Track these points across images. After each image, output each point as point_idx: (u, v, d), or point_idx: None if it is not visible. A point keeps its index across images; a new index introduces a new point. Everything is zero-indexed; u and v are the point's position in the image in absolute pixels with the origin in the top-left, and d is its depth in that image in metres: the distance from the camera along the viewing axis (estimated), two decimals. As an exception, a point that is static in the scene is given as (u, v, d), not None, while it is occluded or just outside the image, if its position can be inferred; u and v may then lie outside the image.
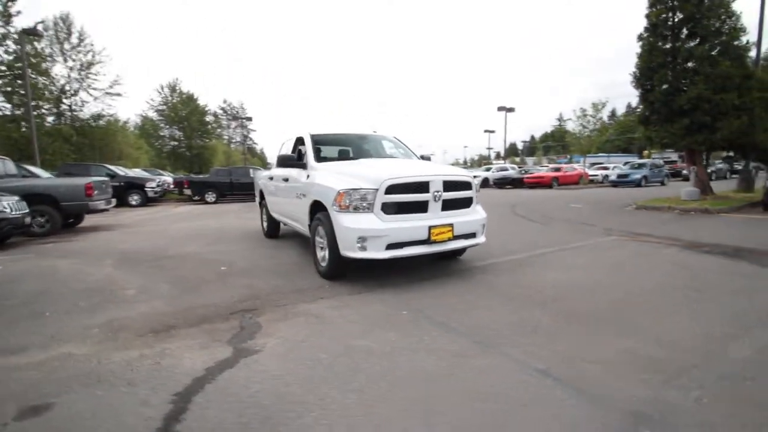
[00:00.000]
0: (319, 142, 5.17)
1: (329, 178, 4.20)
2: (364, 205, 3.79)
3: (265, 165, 55.29)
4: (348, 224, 3.76)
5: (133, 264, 5.29)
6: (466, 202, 4.33)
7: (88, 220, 10.09)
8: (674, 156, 34.07)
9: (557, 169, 24.86)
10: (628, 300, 3.41)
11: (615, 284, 3.91)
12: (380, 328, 2.92)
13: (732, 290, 3.61)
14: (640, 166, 22.19)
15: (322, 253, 4.36)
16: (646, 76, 11.02)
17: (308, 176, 4.66)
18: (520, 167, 34.50)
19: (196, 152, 42.71)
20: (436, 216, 4.03)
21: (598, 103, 26.32)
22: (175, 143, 42.69)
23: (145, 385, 2.17)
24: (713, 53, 9.87)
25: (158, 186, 16.63)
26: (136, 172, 18.85)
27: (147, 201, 15.85)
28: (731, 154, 16.45)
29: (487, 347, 2.56)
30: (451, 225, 4.03)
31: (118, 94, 28.27)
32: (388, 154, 5.48)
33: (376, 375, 2.24)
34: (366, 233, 3.70)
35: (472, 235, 4.32)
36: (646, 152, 53.83)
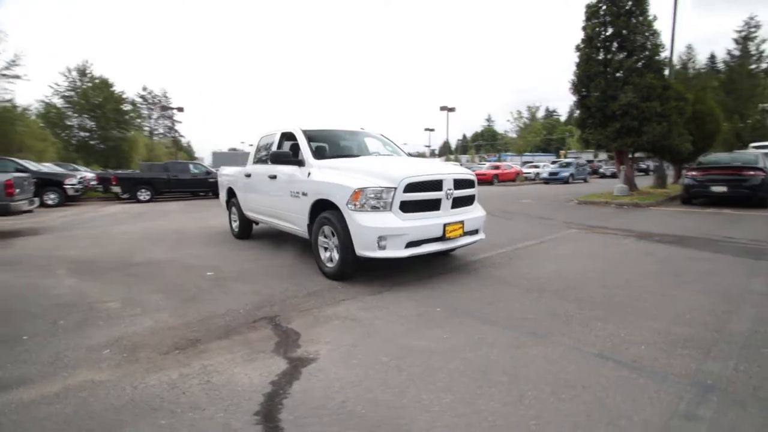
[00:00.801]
0: (312, 138, 4.95)
1: (339, 176, 4.06)
2: (383, 203, 3.73)
3: (193, 158, 51.20)
4: (367, 223, 3.67)
5: (96, 273, 4.63)
6: (470, 200, 4.47)
7: (0, 223, 8.59)
8: (590, 156, 38.18)
9: (497, 167, 26.54)
10: (628, 286, 3.79)
11: (606, 272, 4.31)
12: (425, 327, 2.91)
13: (702, 273, 4.18)
14: (568, 165, 24.55)
15: (328, 254, 4.22)
16: (583, 83, 12.21)
17: (309, 174, 4.44)
18: (459, 165, 36.19)
19: (113, 145, 38.20)
20: (448, 213, 4.10)
21: (532, 107, 28.56)
22: (86, 134, 37.77)
23: (213, 408, 1.94)
24: (639, 65, 11.24)
25: (80, 183, 14.63)
26: (51, 167, 16.34)
27: (66, 200, 13.87)
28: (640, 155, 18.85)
29: (539, 337, 2.69)
30: (461, 222, 4.14)
31: (17, 77, 24.25)
32: (385, 152, 5.44)
33: (456, 372, 2.24)
34: (386, 232, 3.65)
35: (476, 232, 4.48)
36: (562, 152, 59.71)
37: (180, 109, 33.43)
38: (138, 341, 2.74)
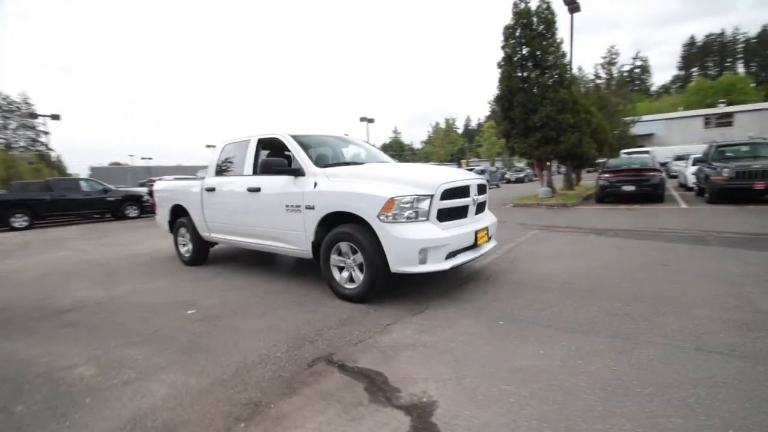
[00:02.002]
0: (304, 145, 4.36)
1: (362, 184, 3.60)
2: (420, 212, 3.40)
3: (63, 174, 43.09)
4: (406, 235, 3.30)
5: (20, 329, 3.40)
6: (485, 205, 4.38)
7: None
8: (488, 164, 42.10)
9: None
10: (640, 280, 4.03)
11: (607, 268, 4.54)
12: (511, 343, 2.67)
13: (680, 261, 4.69)
14: (483, 172, 26.64)
15: (345, 274, 3.72)
16: (506, 98, 13.32)
17: (315, 184, 3.88)
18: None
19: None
20: (474, 220, 3.94)
21: (449, 119, 30.44)
22: None
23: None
24: (551, 82, 12.67)
25: None
26: None
27: None
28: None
29: (627, 340, 2.64)
30: (487, 228, 4.01)
31: None
32: (381, 159, 5.06)
33: (594, 390, 2.04)
34: (428, 243, 3.33)
35: (491, 238, 4.39)
36: (464, 161, 65.21)
37: (55, 117, 27.85)
38: (171, 419, 1.98)
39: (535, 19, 13.06)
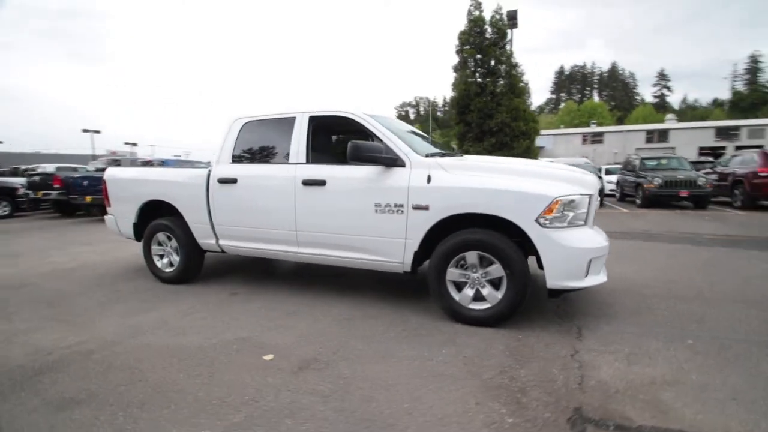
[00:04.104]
0: (386, 127, 3.43)
1: (509, 179, 2.89)
2: (579, 216, 2.85)
3: None
4: (574, 243, 2.73)
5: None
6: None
7: None
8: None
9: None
10: (694, 279, 4.09)
11: (654, 270, 4.51)
12: (740, 367, 2.29)
13: (702, 261, 4.98)
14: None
15: (469, 291, 2.99)
16: (463, 102, 13.54)
17: (429, 178, 3.03)
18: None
19: None
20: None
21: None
22: None
23: None
24: (505, 90, 13.28)
25: None
26: None
27: None
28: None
29: (725, 347, 2.58)
30: (600, 233, 3.65)
31: None
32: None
33: None
34: (596, 253, 2.80)
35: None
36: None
37: None
38: None
39: (489, 29, 13.55)
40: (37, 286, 4.25)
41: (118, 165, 11.35)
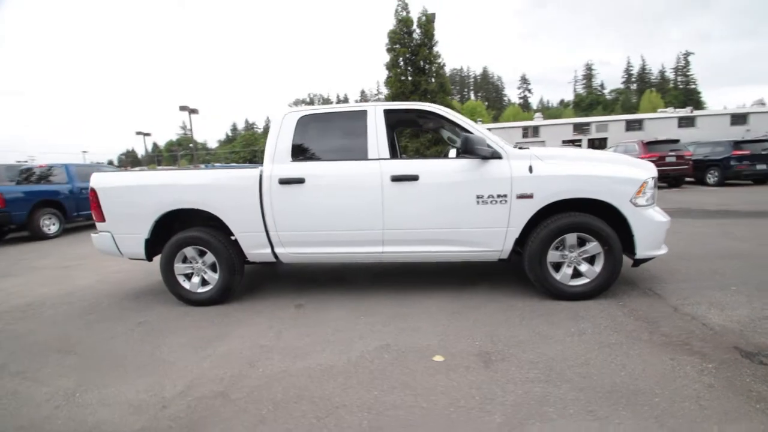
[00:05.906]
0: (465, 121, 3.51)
1: (602, 166, 3.25)
2: (654, 195, 3.37)
3: None
4: (657, 218, 3.26)
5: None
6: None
7: None
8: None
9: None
10: (730, 255, 5.16)
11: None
12: (727, 299, 3.04)
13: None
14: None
15: (569, 270, 3.30)
16: (398, 99, 13.94)
17: (531, 168, 3.21)
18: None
19: None
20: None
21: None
22: None
23: None
24: (436, 88, 14.11)
25: None
26: None
27: None
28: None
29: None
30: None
31: None
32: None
33: None
34: (668, 225, 3.36)
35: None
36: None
37: None
38: None
39: (417, 29, 14.19)
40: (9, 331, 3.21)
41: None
